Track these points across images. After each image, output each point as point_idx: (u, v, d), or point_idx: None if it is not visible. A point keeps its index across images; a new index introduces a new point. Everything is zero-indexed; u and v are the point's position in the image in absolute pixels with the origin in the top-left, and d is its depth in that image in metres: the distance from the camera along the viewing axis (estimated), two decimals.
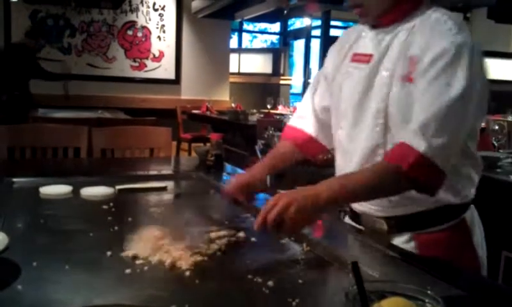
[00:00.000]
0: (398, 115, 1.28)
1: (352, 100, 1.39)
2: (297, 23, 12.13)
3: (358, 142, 1.38)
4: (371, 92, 1.34)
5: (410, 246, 1.35)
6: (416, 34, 1.28)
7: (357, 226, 1.48)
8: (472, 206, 1.40)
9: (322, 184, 1.22)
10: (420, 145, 1.17)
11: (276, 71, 9.59)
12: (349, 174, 1.32)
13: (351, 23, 12.05)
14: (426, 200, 1.28)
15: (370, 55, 1.36)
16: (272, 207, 1.16)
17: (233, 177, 1.54)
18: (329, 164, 1.59)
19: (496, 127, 3.05)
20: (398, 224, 1.37)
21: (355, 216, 1.49)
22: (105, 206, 1.62)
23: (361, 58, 1.40)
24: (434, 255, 1.30)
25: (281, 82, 9.47)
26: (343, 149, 1.46)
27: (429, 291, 0.76)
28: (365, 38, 1.42)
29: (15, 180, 1.90)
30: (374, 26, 1.38)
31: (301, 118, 1.62)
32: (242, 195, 1.45)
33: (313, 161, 1.71)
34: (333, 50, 1.57)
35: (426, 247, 1.33)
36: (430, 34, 1.24)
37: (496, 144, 3.02)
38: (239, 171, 2.29)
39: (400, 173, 1.19)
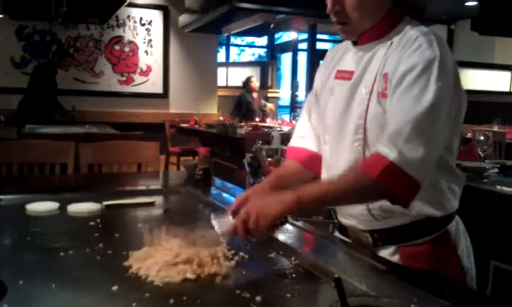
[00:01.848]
0: (376, 131, 1.30)
1: (334, 116, 1.42)
2: (284, 36, 12.21)
3: (339, 158, 1.40)
4: (351, 108, 1.36)
5: (395, 259, 1.36)
6: (392, 51, 1.29)
7: (345, 238, 1.48)
8: (457, 217, 1.41)
9: (293, 189, 1.25)
10: (389, 153, 1.19)
11: (264, 84, 9.63)
12: (322, 182, 1.39)
13: (337, 37, 12.17)
14: (408, 213, 1.30)
15: (352, 72, 1.39)
16: (244, 218, 1.24)
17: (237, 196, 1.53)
18: None
19: (482, 137, 3.08)
20: (381, 237, 1.38)
21: (342, 229, 1.50)
22: (92, 223, 1.61)
23: (343, 75, 1.42)
24: (419, 267, 1.31)
25: (269, 94, 9.51)
26: (327, 164, 1.49)
27: (412, 305, 0.77)
28: (348, 55, 1.44)
29: (1, 197, 1.89)
30: (355, 43, 1.40)
31: (302, 138, 1.62)
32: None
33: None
34: (321, 67, 1.59)
35: (410, 259, 1.34)
36: (402, 52, 1.26)
37: (482, 155, 3.05)
38: (228, 184, 2.29)
39: (370, 181, 1.20)
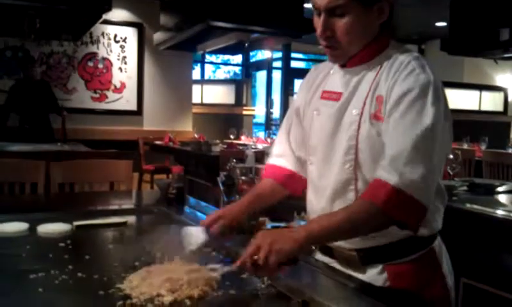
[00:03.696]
0: (368, 153, 1.31)
1: (322, 137, 1.43)
2: (259, 54, 12.31)
3: (328, 178, 1.40)
4: (340, 129, 1.37)
5: (383, 277, 1.36)
6: (383, 75, 1.32)
7: (329, 259, 1.48)
8: (439, 236, 1.43)
9: (302, 226, 1.24)
10: (390, 178, 1.19)
11: (238, 102, 9.66)
12: (328, 215, 1.32)
13: (311, 55, 12.33)
14: (395, 232, 1.29)
15: (340, 94, 1.40)
16: (254, 251, 1.17)
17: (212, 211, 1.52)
18: None
19: (451, 156, 3.14)
20: (368, 256, 1.38)
21: (326, 250, 1.49)
22: (62, 244, 1.58)
23: (330, 96, 1.43)
24: (406, 286, 1.33)
25: (244, 112, 9.54)
26: (314, 185, 1.49)
27: None
28: (334, 76, 1.46)
29: None
30: (342, 65, 1.42)
31: (280, 157, 1.64)
32: (216, 228, 1.46)
33: (299, 195, 1.69)
34: (303, 87, 1.59)
35: (397, 277, 1.35)
36: (396, 76, 1.29)
37: (451, 173, 3.11)
38: (202, 204, 2.28)
39: (375, 209, 1.21)
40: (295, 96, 1.64)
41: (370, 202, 1.21)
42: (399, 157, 1.20)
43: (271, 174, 1.63)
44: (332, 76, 1.47)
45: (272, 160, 1.65)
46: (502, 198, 2.81)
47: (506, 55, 6.25)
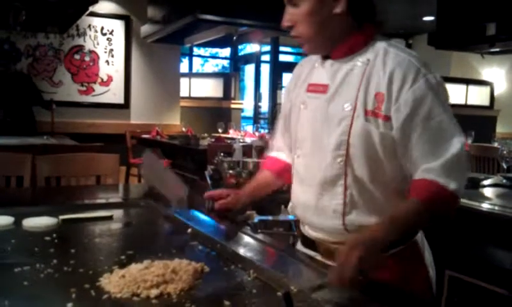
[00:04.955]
0: (360, 148, 1.31)
1: (310, 130, 1.42)
2: (248, 48, 12.29)
3: (316, 171, 1.40)
4: (329, 122, 1.36)
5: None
6: (375, 68, 1.31)
7: (309, 251, 1.49)
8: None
9: (381, 230, 1.20)
10: (449, 184, 1.23)
11: (227, 95, 9.65)
12: (396, 215, 1.27)
13: (300, 49, 12.35)
14: None
15: (326, 86, 1.39)
16: (346, 262, 1.09)
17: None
18: None
19: None
20: None
21: (308, 242, 1.50)
22: (47, 238, 1.57)
23: (316, 88, 1.42)
24: (389, 277, 1.33)
25: (232, 106, 9.53)
26: (300, 177, 1.49)
27: None
28: (319, 69, 1.45)
29: None
30: (326, 57, 1.42)
31: (278, 150, 1.72)
32: (224, 202, 1.62)
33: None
34: (290, 85, 1.60)
35: (382, 269, 1.36)
36: (397, 74, 1.28)
37: None
38: None
39: (426, 209, 1.24)
40: (283, 90, 1.68)
41: (425, 203, 1.24)
42: (450, 167, 1.24)
43: (269, 166, 1.73)
44: (317, 69, 1.46)
45: (271, 153, 1.75)
46: (487, 192, 2.84)
47: (492, 50, 6.29)
